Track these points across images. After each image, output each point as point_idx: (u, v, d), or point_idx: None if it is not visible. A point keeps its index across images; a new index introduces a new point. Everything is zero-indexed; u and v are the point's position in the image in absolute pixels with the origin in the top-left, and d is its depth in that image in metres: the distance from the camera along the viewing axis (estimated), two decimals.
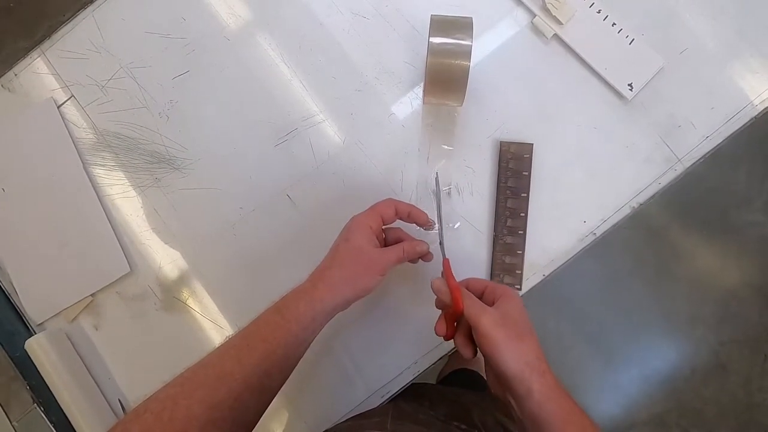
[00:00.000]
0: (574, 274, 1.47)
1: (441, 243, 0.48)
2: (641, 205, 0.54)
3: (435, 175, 0.53)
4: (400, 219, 0.48)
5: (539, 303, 1.39)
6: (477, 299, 0.41)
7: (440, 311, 0.45)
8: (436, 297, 0.44)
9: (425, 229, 0.50)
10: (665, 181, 0.54)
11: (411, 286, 0.54)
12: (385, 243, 0.49)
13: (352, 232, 0.44)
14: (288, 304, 0.42)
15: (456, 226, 0.54)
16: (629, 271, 1.42)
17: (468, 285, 0.43)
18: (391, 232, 0.49)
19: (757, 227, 1.39)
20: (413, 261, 0.49)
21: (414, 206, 0.48)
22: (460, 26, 0.47)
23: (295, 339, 0.41)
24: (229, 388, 0.38)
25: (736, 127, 0.53)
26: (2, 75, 0.59)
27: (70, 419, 0.52)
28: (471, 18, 0.48)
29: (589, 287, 1.42)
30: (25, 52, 1.54)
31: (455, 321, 0.43)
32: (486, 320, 0.38)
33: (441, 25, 0.48)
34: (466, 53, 0.46)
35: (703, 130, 0.53)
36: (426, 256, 0.48)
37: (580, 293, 1.41)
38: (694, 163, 0.54)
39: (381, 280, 0.44)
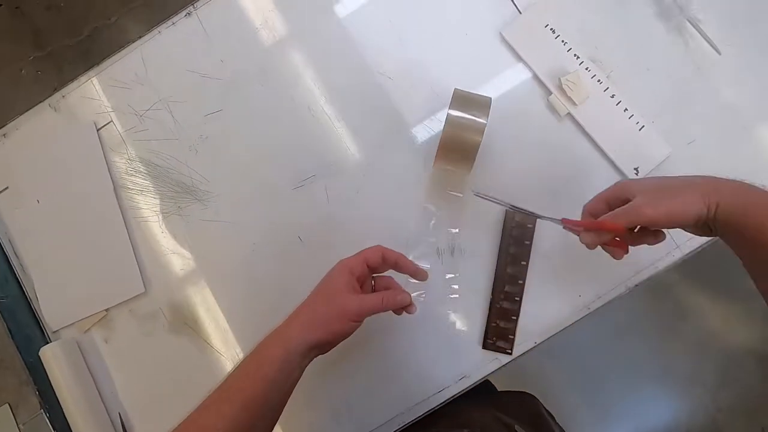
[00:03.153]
0: (580, 321, 1.47)
1: (539, 216, 0.48)
2: (637, 286, 0.56)
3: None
4: (389, 267, 0.48)
5: (537, 347, 1.39)
6: (617, 210, 0.42)
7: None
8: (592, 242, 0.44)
9: (418, 280, 0.49)
10: (662, 265, 0.55)
11: (410, 333, 0.56)
12: (373, 290, 0.50)
13: (334, 275, 0.45)
14: (262, 349, 0.43)
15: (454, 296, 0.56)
16: (631, 324, 1.42)
17: (592, 210, 0.45)
18: (381, 280, 0.50)
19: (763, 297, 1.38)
20: (397, 312, 0.48)
21: (403, 255, 0.48)
22: (479, 104, 0.50)
23: (272, 384, 0.41)
24: None
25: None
26: (51, 96, 0.63)
27: (72, 429, 0.55)
28: (490, 98, 0.51)
29: (590, 336, 1.42)
30: (70, 48, 1.61)
31: (618, 238, 0.44)
32: (648, 210, 0.39)
33: (462, 100, 0.51)
34: (480, 130, 0.49)
35: None
36: (409, 307, 0.48)
37: (580, 342, 1.41)
38: (692, 251, 0.55)
39: (355, 326, 0.44)
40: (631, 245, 0.45)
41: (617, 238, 0.44)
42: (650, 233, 0.44)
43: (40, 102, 0.63)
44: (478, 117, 0.49)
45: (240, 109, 0.61)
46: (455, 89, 0.51)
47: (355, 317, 0.44)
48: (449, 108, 0.50)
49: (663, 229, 0.44)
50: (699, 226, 0.40)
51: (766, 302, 0.39)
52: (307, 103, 0.60)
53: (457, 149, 0.51)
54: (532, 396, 0.68)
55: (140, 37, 0.62)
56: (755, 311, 1.39)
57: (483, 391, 0.93)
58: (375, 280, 0.50)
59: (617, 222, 0.42)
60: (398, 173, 0.58)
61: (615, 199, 0.44)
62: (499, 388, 0.80)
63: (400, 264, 0.48)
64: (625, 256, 0.54)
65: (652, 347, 1.41)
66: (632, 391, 1.39)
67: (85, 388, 0.57)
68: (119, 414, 0.59)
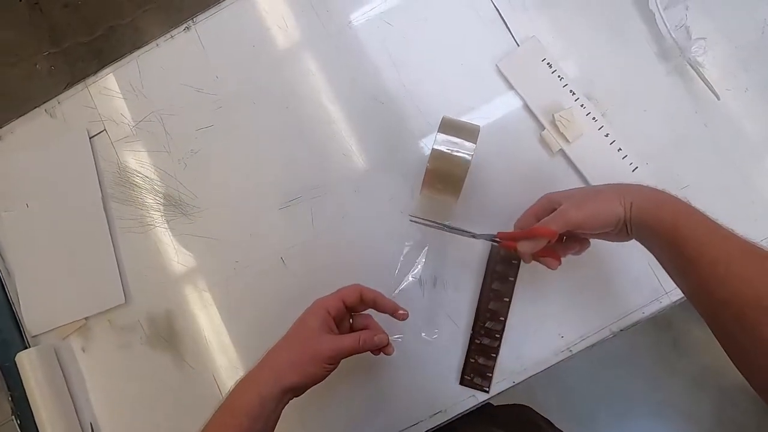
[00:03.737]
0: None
1: (474, 235, 0.50)
2: (622, 330, 0.54)
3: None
4: (367, 306, 0.47)
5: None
6: (546, 218, 0.45)
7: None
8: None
9: (398, 319, 0.48)
10: (649, 311, 0.54)
11: (386, 366, 0.55)
12: (351, 329, 0.49)
13: (309, 316, 0.44)
14: (235, 397, 0.42)
15: (434, 337, 0.55)
16: (626, 355, 1.40)
17: (523, 225, 0.48)
18: (359, 318, 0.49)
19: None
20: (375, 353, 0.48)
21: (381, 294, 0.47)
22: (467, 133, 0.49)
23: None
24: None
25: None
26: (47, 101, 0.64)
27: None
28: (478, 126, 0.50)
29: (583, 365, 1.39)
30: (84, 46, 1.63)
31: (548, 246, 0.46)
32: (573, 213, 0.42)
33: (448, 128, 0.50)
34: (465, 165, 0.48)
35: None
36: (386, 348, 0.47)
37: (573, 369, 1.39)
38: (680, 299, 0.54)
39: (331, 368, 0.43)
40: (561, 255, 0.48)
41: (550, 245, 0.46)
42: (576, 241, 0.48)
43: (36, 107, 0.63)
44: (464, 150, 0.48)
45: (231, 126, 0.61)
46: (444, 117, 0.50)
47: (331, 360, 0.43)
48: (436, 137, 0.49)
49: (589, 238, 0.47)
50: (619, 229, 0.43)
51: (687, 297, 0.42)
52: (298, 125, 0.60)
53: (443, 181, 0.50)
54: (526, 407, 0.67)
55: (138, 48, 0.63)
56: None
57: (480, 409, 0.91)
58: (353, 318, 0.49)
59: (548, 227, 0.44)
60: (385, 200, 0.58)
61: (543, 210, 0.47)
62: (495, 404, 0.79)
63: (378, 303, 0.47)
64: (609, 299, 0.53)
65: (648, 379, 1.38)
66: (626, 423, 1.37)
67: (58, 396, 0.57)
68: (90, 424, 0.58)
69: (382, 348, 0.47)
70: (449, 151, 0.49)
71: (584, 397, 1.37)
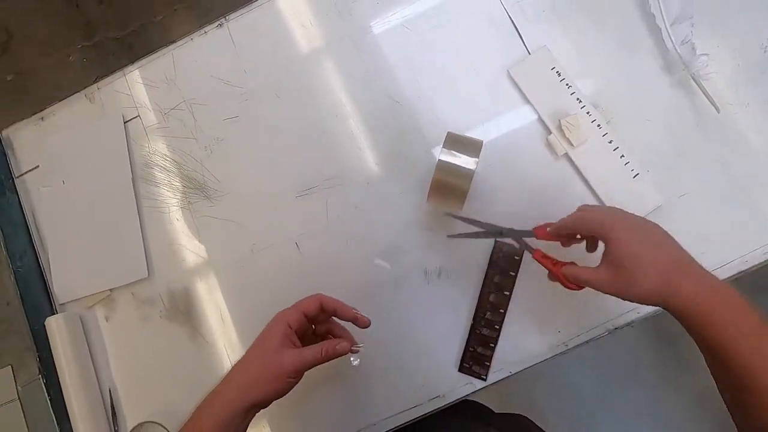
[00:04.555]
0: (573, 359, 1.45)
1: (521, 241, 0.52)
2: (617, 329, 0.56)
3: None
4: (329, 315, 0.48)
5: (532, 377, 1.38)
6: (580, 269, 0.44)
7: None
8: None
9: (359, 327, 0.48)
10: (644, 311, 0.56)
11: (388, 348, 0.58)
12: (314, 335, 0.50)
13: (271, 330, 0.44)
14: (200, 416, 0.43)
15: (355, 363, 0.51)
16: (631, 369, 1.40)
17: (562, 228, 0.48)
18: (322, 325, 0.50)
19: None
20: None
21: (342, 303, 0.47)
22: (470, 147, 0.52)
23: None
24: None
25: (723, 277, 0.55)
26: (88, 86, 0.69)
27: (64, 397, 0.59)
28: (481, 141, 0.53)
29: (587, 376, 1.40)
30: (115, 41, 1.70)
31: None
32: (600, 283, 0.42)
33: (453, 144, 0.53)
34: (468, 176, 0.51)
35: None
36: (353, 348, 0.48)
37: (576, 379, 1.39)
38: None
39: (294, 382, 0.44)
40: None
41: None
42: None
43: (77, 92, 0.68)
44: (467, 164, 0.51)
45: (255, 117, 0.65)
46: (448, 132, 0.54)
47: (293, 374, 0.43)
48: (440, 152, 0.52)
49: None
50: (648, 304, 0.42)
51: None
52: (318, 119, 0.64)
53: (448, 192, 0.53)
54: (525, 417, 0.69)
55: (174, 41, 0.67)
56: None
57: (479, 414, 0.94)
58: (315, 326, 0.50)
59: (575, 280, 0.45)
60: (396, 193, 0.61)
61: (580, 228, 0.46)
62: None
63: (339, 312, 0.47)
64: (606, 298, 0.56)
65: (649, 395, 1.38)
66: None
67: (81, 360, 0.61)
68: (109, 389, 0.62)
69: (343, 354, 0.46)
70: (454, 164, 0.52)
71: (585, 409, 1.38)
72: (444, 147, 0.52)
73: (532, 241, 0.52)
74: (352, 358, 0.49)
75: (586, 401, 1.38)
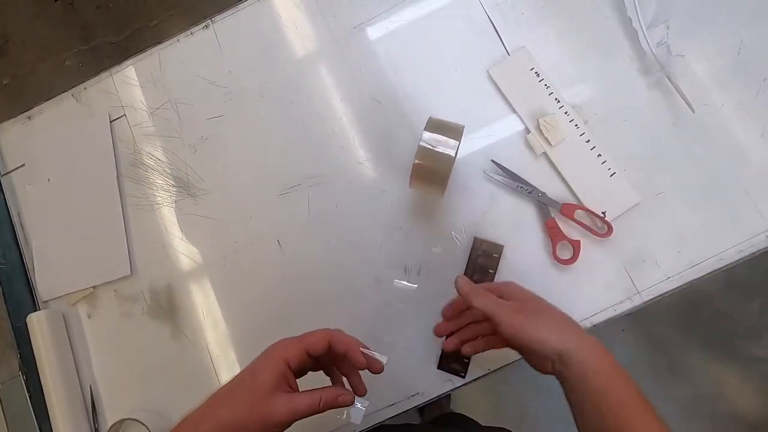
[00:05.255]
0: None
1: (545, 207, 0.57)
2: (595, 326, 0.57)
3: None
4: (336, 357, 0.41)
5: (523, 382, 1.38)
6: (491, 295, 0.47)
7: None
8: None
9: (373, 372, 0.41)
10: (621, 309, 0.56)
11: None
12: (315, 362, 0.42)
13: (264, 366, 0.38)
14: None
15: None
16: None
17: (487, 288, 0.50)
18: (339, 345, 0.40)
19: (762, 364, 1.34)
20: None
21: (354, 345, 0.40)
22: (451, 132, 0.53)
23: None
24: None
25: (699, 275, 0.56)
26: (75, 82, 0.70)
27: (45, 394, 0.59)
28: (463, 126, 0.54)
29: None
30: (111, 45, 1.72)
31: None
32: (504, 312, 0.44)
33: (434, 128, 0.54)
34: (449, 160, 0.52)
35: (665, 270, 0.56)
36: (352, 407, 0.42)
37: None
38: (652, 299, 0.56)
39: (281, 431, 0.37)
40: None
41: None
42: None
43: (64, 91, 0.69)
44: (449, 148, 0.52)
45: (239, 117, 0.66)
46: (430, 117, 0.54)
47: (281, 426, 0.37)
48: (422, 137, 0.53)
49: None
50: (541, 362, 0.44)
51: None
52: (301, 119, 0.65)
53: (429, 176, 0.54)
54: (510, 431, 0.69)
55: (159, 43, 0.68)
56: (751, 379, 1.35)
57: (465, 426, 0.94)
58: (333, 346, 0.41)
59: (475, 301, 0.47)
60: (377, 192, 0.62)
61: (497, 291, 0.49)
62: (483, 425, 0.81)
63: (350, 356, 0.40)
64: (583, 296, 0.57)
65: None
66: None
67: (62, 358, 0.61)
68: (90, 386, 0.62)
69: (344, 406, 0.40)
70: (434, 148, 0.53)
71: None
72: (425, 131, 0.52)
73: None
74: (352, 414, 0.42)
75: None
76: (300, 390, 0.39)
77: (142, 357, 0.62)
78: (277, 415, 0.36)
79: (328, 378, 0.46)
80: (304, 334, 0.40)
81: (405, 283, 0.59)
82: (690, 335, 1.38)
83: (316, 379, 0.44)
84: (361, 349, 0.40)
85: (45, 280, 0.65)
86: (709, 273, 0.56)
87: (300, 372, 0.41)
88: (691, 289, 0.55)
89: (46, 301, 0.65)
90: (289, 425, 0.38)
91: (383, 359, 0.41)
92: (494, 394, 1.40)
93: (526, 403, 1.37)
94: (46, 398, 0.59)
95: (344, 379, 0.45)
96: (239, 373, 0.39)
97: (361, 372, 0.44)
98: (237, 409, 0.36)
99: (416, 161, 0.53)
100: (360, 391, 0.42)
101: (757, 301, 1.37)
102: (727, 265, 0.55)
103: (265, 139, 0.65)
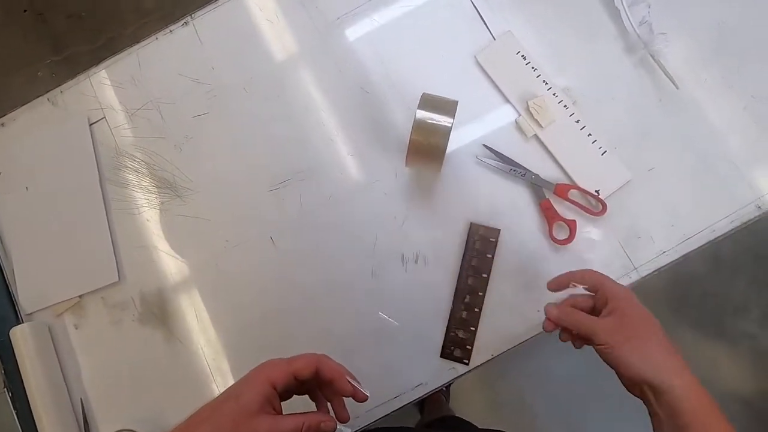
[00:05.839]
0: (562, 351, 1.46)
1: (539, 188, 0.56)
2: None
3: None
4: (322, 384, 0.41)
5: (521, 373, 1.38)
6: (583, 315, 0.45)
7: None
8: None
9: (357, 401, 0.41)
10: None
11: (369, 338, 0.57)
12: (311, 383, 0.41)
13: (250, 386, 0.37)
14: None
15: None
16: None
17: (575, 303, 0.47)
18: (326, 371, 0.40)
19: (751, 339, 1.37)
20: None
21: (341, 374, 0.40)
22: (445, 107, 0.53)
23: None
24: None
25: (693, 248, 0.56)
26: (50, 89, 0.67)
27: (32, 411, 0.56)
28: (456, 101, 0.53)
29: (575, 368, 1.40)
30: (85, 55, 1.67)
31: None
32: (600, 331, 0.42)
33: (428, 103, 0.53)
34: (445, 133, 0.51)
35: (660, 245, 0.57)
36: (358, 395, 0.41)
37: (565, 372, 1.39)
38: (649, 274, 0.57)
39: None
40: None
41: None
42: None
43: (40, 95, 0.67)
44: (444, 121, 0.51)
45: (225, 113, 0.64)
46: (423, 93, 0.54)
47: None
48: (417, 111, 0.52)
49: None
50: (632, 385, 0.43)
51: None
52: (288, 112, 0.63)
53: (426, 151, 0.53)
54: None
55: (138, 42, 0.66)
56: (742, 355, 1.37)
57: (463, 429, 0.93)
58: (320, 370, 0.41)
59: (572, 322, 0.45)
60: (369, 182, 0.61)
61: (600, 294, 0.46)
62: (480, 424, 0.80)
63: (336, 385, 0.40)
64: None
65: None
66: (614, 428, 1.37)
67: (49, 372, 0.59)
68: (81, 400, 0.60)
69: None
70: (430, 122, 0.52)
71: (575, 403, 1.38)
72: (419, 107, 0.52)
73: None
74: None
75: (573, 394, 1.38)
76: (283, 413, 0.39)
77: (135, 365, 0.60)
78: None
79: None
80: (292, 358, 0.40)
81: (386, 317, 0.58)
82: (679, 316, 1.40)
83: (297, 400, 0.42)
84: (348, 378, 0.41)
85: (27, 292, 0.63)
86: (704, 245, 0.56)
87: (285, 394, 0.40)
88: (679, 271, 0.55)
89: (30, 314, 0.62)
90: None
91: (366, 393, 0.41)
92: (491, 388, 1.40)
93: (524, 391, 1.37)
94: (33, 415, 0.56)
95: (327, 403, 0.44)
96: (223, 392, 0.39)
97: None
98: (219, 428, 0.36)
99: (412, 137, 0.52)
100: (343, 417, 0.42)
101: (743, 278, 1.40)
102: (719, 236, 0.56)
103: (253, 135, 0.63)
